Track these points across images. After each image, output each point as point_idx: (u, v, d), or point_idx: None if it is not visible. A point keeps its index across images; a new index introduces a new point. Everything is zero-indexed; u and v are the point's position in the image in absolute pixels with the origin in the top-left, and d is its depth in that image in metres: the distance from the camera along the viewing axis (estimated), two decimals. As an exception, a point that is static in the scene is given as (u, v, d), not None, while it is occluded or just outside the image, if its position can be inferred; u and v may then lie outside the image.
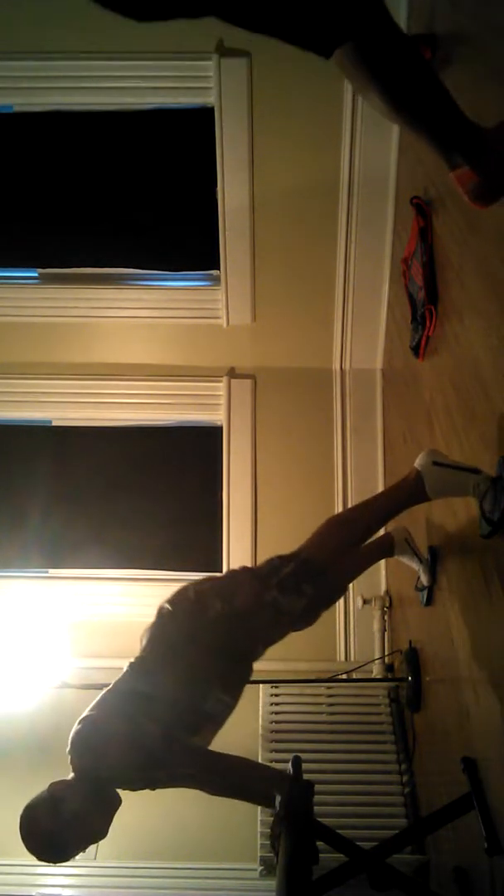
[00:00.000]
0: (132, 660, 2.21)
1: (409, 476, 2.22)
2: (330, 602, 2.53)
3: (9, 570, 3.99)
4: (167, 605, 2.23)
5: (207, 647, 2.14)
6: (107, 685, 2.19)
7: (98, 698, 2.16)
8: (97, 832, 2.10)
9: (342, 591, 2.77)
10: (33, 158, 3.70)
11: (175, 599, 2.23)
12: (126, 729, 2.06)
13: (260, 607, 2.15)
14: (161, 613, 2.23)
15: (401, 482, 2.26)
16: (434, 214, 2.76)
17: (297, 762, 2.46)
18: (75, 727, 2.10)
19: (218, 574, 2.34)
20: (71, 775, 2.10)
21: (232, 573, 2.33)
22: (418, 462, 2.23)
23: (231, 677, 2.20)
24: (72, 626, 3.74)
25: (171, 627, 2.19)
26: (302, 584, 2.15)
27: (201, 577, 2.28)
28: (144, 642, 2.22)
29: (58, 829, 2.02)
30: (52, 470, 4.09)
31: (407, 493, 2.23)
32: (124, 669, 2.20)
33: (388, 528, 2.66)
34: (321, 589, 2.21)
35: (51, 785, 2.09)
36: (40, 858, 2.03)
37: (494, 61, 2.06)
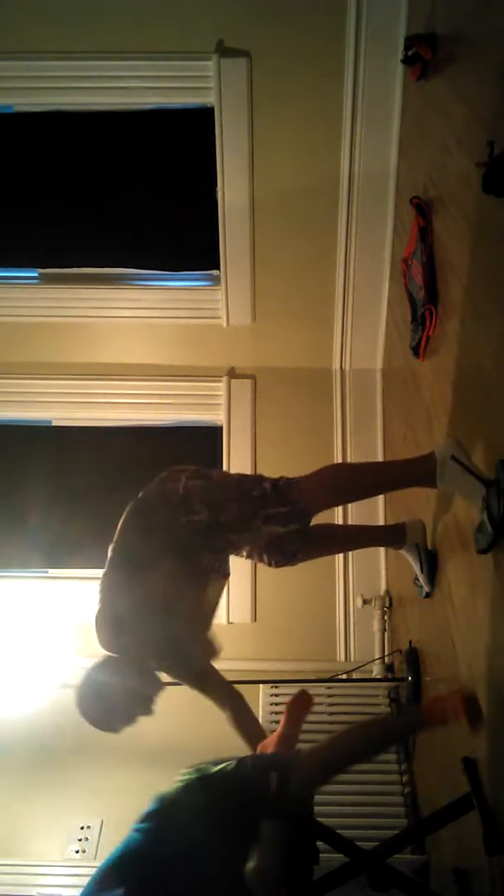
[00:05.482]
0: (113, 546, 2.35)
1: (427, 460, 2.23)
2: (306, 546, 2.52)
3: (9, 570, 3.99)
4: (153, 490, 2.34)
5: (176, 544, 2.22)
6: None
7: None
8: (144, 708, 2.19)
9: (328, 550, 2.80)
10: (33, 158, 3.70)
11: (155, 488, 2.34)
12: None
13: (244, 527, 2.24)
14: (145, 497, 2.35)
15: (418, 461, 2.28)
16: (434, 214, 2.76)
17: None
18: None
19: (208, 472, 2.34)
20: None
21: (223, 480, 2.35)
22: (439, 450, 2.23)
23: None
24: (72, 626, 3.73)
25: (149, 512, 2.32)
26: (289, 524, 2.23)
27: (191, 469, 2.31)
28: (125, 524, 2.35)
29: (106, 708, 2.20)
30: (52, 470, 4.09)
31: (420, 474, 2.26)
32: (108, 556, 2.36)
33: (406, 520, 2.71)
34: (303, 528, 2.28)
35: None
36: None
37: (494, 61, 2.06)
